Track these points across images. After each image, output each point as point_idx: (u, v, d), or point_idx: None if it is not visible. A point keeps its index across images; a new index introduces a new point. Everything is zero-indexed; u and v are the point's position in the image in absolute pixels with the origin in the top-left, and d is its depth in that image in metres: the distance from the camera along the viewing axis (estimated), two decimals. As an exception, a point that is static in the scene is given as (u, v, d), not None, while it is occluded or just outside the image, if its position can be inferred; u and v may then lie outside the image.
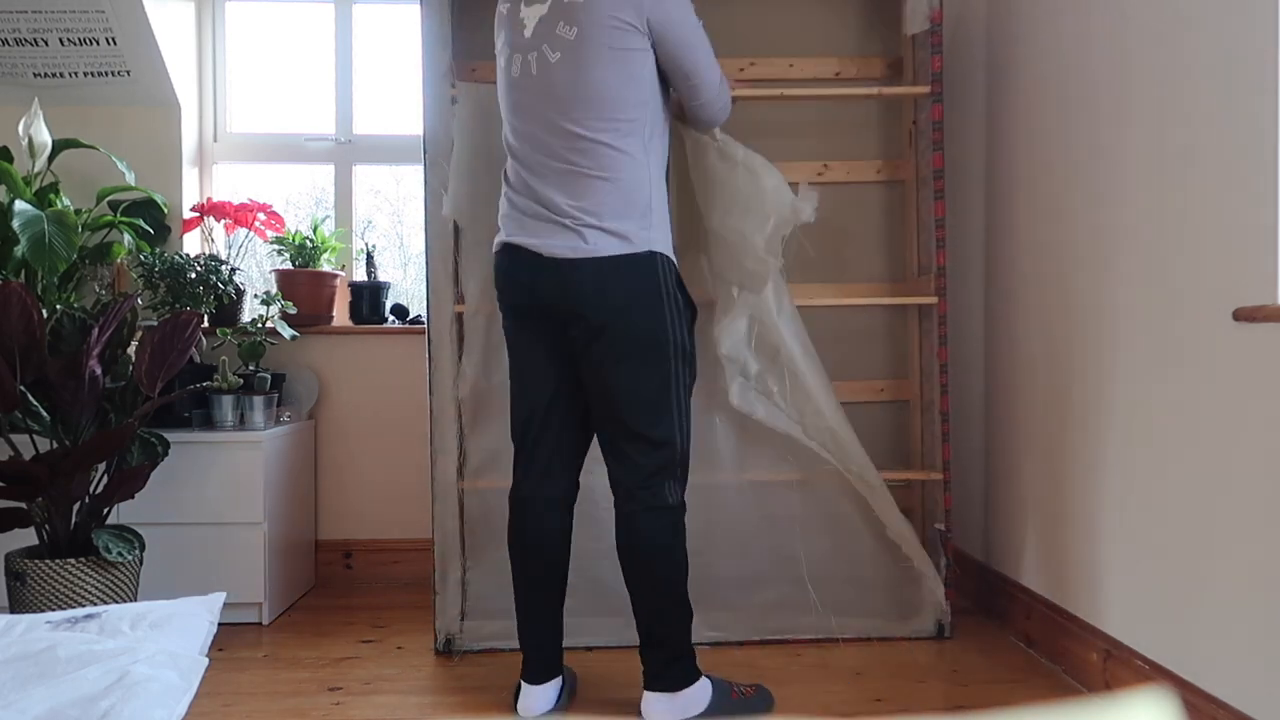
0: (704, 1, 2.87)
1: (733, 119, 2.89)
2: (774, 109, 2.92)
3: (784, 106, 2.92)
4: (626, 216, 2.05)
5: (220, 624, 1.61)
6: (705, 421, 2.66)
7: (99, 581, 2.50)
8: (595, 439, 2.20)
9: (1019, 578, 2.68)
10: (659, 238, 2.10)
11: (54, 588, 2.47)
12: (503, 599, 2.82)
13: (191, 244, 3.40)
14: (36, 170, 2.89)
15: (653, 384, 2.07)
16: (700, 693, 2.12)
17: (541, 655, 2.18)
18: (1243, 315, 1.75)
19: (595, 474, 2.27)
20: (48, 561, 2.48)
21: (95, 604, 2.49)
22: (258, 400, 2.93)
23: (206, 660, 1.44)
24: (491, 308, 2.53)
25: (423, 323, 2.88)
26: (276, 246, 3.33)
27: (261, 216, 3.26)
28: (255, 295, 3.33)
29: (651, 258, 2.07)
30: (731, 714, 2.12)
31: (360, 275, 3.45)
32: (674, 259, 2.14)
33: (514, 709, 2.18)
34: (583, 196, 2.04)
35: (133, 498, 2.58)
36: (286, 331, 3.07)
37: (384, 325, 3.41)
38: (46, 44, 3.14)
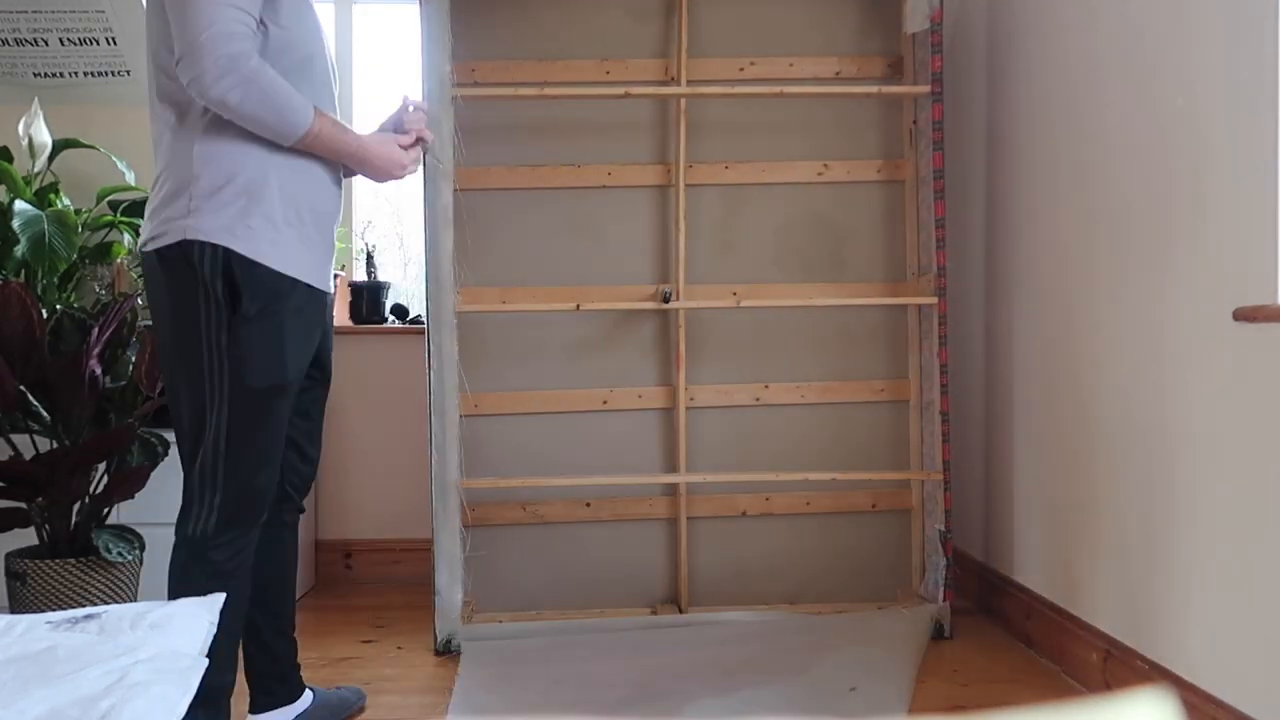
0: (705, 1, 2.89)
1: (733, 118, 2.90)
2: (774, 108, 2.92)
3: (784, 105, 2.92)
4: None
5: (220, 624, 1.61)
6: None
7: (99, 581, 2.50)
8: None
9: (1019, 578, 2.68)
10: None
11: (54, 588, 2.47)
12: (503, 598, 2.83)
13: (191, 244, 3.39)
14: (36, 170, 2.89)
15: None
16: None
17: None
18: (1243, 315, 1.75)
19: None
20: (48, 561, 2.48)
21: (95, 604, 2.49)
22: (258, 400, 2.93)
23: (207, 661, 1.44)
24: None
25: (423, 323, 2.88)
26: (276, 246, 3.33)
27: (261, 216, 3.25)
28: (255, 295, 3.32)
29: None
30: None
31: (360, 275, 3.45)
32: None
33: None
34: None
35: (133, 498, 2.58)
36: (286, 331, 3.06)
37: (384, 325, 3.41)
38: (46, 44, 3.14)
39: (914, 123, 2.84)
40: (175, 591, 1.87)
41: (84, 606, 2.24)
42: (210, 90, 1.67)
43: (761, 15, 2.93)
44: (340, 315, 3.43)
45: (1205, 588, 1.90)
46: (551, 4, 2.89)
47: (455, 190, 2.66)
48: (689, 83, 2.85)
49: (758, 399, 2.89)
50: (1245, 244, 1.77)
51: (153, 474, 2.62)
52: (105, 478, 2.60)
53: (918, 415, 2.86)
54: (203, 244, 1.74)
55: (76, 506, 2.57)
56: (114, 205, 3.15)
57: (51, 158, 2.92)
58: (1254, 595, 1.76)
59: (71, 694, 1.22)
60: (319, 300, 1.93)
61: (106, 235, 3.14)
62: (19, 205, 2.64)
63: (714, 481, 2.81)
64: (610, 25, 2.89)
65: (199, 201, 1.75)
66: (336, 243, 3.39)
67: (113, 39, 3.14)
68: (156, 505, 2.77)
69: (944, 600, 2.66)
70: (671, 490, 2.88)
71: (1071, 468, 2.39)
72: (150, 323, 2.73)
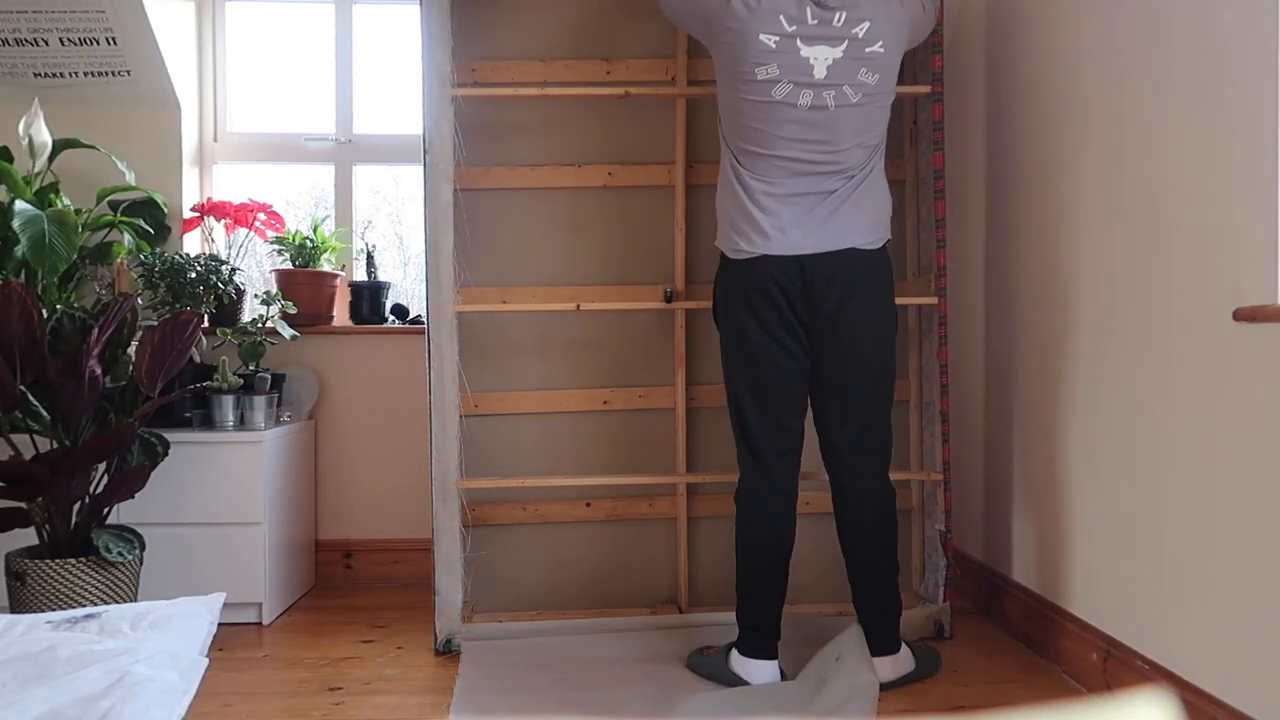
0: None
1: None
2: (774, 109, 2.92)
3: (784, 106, 2.92)
4: None
5: (220, 624, 1.62)
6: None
7: (99, 581, 2.50)
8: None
9: (1019, 578, 2.68)
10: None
11: (54, 588, 2.47)
12: (503, 598, 2.83)
13: (191, 244, 3.40)
14: (37, 170, 2.89)
15: None
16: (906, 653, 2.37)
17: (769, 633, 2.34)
18: (1243, 315, 1.75)
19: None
20: (48, 561, 2.48)
21: (95, 604, 2.49)
22: (258, 400, 2.93)
23: (206, 660, 1.44)
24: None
25: (423, 323, 2.88)
26: (276, 246, 3.33)
27: (261, 216, 3.26)
28: (255, 295, 3.33)
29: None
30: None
31: (360, 275, 3.45)
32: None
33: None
34: None
35: (133, 498, 2.58)
36: (286, 331, 3.07)
37: (384, 325, 3.41)
38: (46, 44, 3.14)
39: (914, 123, 2.84)
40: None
41: (84, 606, 2.25)
42: None
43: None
44: (340, 315, 3.44)
45: (1205, 588, 1.90)
46: (551, 4, 2.89)
47: (455, 190, 2.66)
48: (689, 83, 2.85)
49: (758, 399, 2.89)
50: (1245, 244, 1.77)
51: (153, 474, 2.62)
52: (105, 478, 2.60)
53: (918, 415, 2.86)
54: None
55: (76, 506, 2.57)
56: (114, 205, 3.15)
57: (51, 158, 2.92)
58: (1254, 595, 1.76)
59: (72, 693, 1.22)
60: None
61: (106, 235, 3.14)
62: (19, 205, 2.64)
63: (714, 481, 2.81)
64: (610, 25, 2.89)
65: None
66: (337, 243, 3.39)
67: (113, 39, 3.13)
68: (156, 505, 2.78)
69: (944, 600, 2.66)
70: (671, 490, 2.88)
71: (1071, 468, 2.39)
72: (150, 323, 2.73)
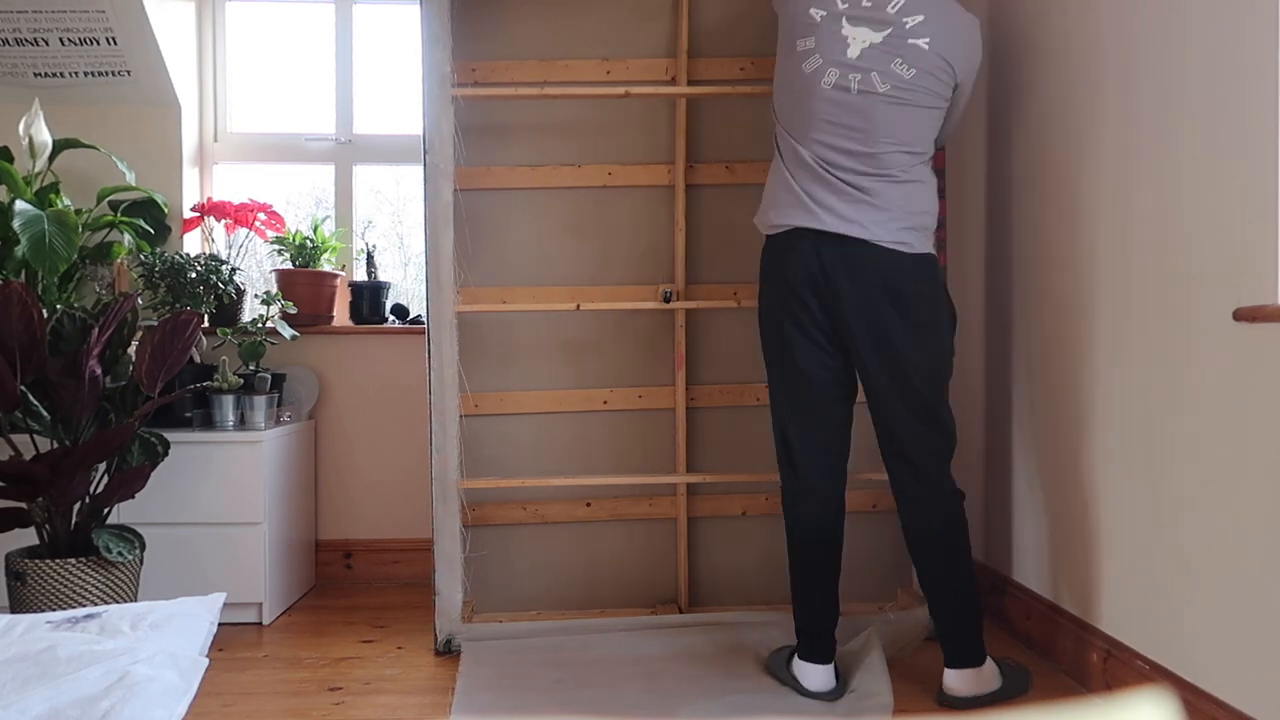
0: (705, 1, 2.89)
1: (733, 118, 2.90)
2: (774, 109, 2.92)
3: (784, 106, 2.92)
4: None
5: (220, 624, 1.62)
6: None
7: (99, 581, 2.50)
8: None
9: (1019, 578, 2.68)
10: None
11: (54, 588, 2.47)
12: (503, 598, 2.83)
13: (192, 244, 3.40)
14: (37, 170, 2.89)
15: None
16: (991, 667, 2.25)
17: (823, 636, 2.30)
18: (1243, 315, 1.75)
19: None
20: (48, 561, 2.48)
21: (95, 604, 2.49)
22: (258, 400, 2.93)
23: (206, 660, 1.44)
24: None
25: (423, 323, 2.88)
26: (276, 246, 3.33)
27: (261, 216, 3.26)
28: (255, 295, 3.33)
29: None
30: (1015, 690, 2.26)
31: (360, 275, 3.45)
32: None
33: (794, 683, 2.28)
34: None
35: (133, 498, 2.58)
36: (287, 331, 3.07)
37: (384, 325, 3.41)
38: (47, 44, 3.14)
39: (914, 123, 2.84)
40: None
41: (84, 606, 2.25)
42: None
43: (762, 15, 2.93)
44: (340, 315, 3.43)
45: (1205, 587, 1.90)
46: (551, 4, 2.88)
47: (455, 190, 2.66)
48: (689, 83, 2.85)
49: (758, 399, 2.89)
50: (1245, 244, 1.77)
51: (153, 474, 2.62)
52: (105, 478, 2.60)
53: (918, 415, 2.85)
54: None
55: (77, 506, 2.57)
56: (114, 205, 3.15)
57: (51, 158, 2.92)
58: (1254, 595, 1.76)
59: (72, 693, 1.22)
60: None
61: (106, 235, 3.14)
62: (19, 205, 2.64)
63: (714, 481, 2.82)
64: (610, 25, 2.89)
65: None
66: (338, 243, 3.39)
67: (113, 39, 3.14)
68: (157, 505, 2.78)
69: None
70: (671, 490, 2.88)
71: (1072, 468, 2.39)
72: (150, 323, 2.73)
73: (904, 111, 2.21)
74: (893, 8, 2.21)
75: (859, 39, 2.21)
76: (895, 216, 2.20)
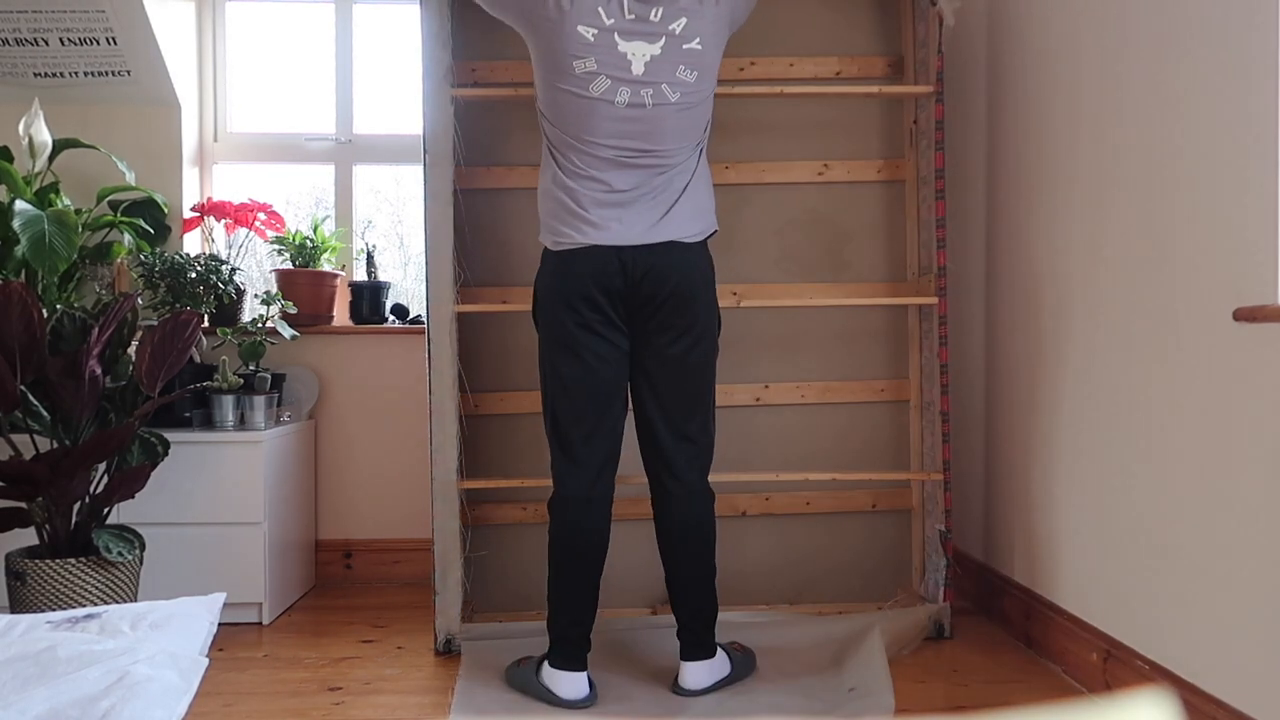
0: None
1: (733, 118, 2.90)
2: (774, 107, 2.92)
3: (784, 105, 2.92)
4: None
5: (220, 624, 1.61)
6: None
7: (99, 581, 2.50)
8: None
9: (1019, 578, 2.68)
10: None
11: (54, 588, 2.47)
12: (503, 598, 2.83)
13: (192, 244, 3.40)
14: (37, 170, 2.89)
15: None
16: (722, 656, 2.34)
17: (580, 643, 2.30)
18: (1243, 315, 1.75)
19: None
20: (48, 561, 2.48)
21: (95, 604, 2.49)
22: (258, 400, 2.93)
23: (206, 660, 1.44)
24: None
25: (423, 323, 2.88)
26: (276, 246, 3.33)
27: (261, 216, 3.26)
28: (255, 295, 3.33)
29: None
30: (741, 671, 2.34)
31: (360, 275, 3.45)
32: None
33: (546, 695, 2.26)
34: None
35: (133, 498, 2.58)
36: (286, 331, 3.07)
37: (384, 325, 3.41)
38: (46, 44, 3.14)
39: (915, 122, 2.84)
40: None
41: (84, 606, 2.24)
42: None
43: (761, 15, 2.93)
44: (340, 315, 3.43)
45: (1205, 588, 1.90)
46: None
47: (455, 190, 2.66)
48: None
49: (758, 399, 2.89)
50: (1245, 244, 1.77)
51: (153, 474, 2.62)
52: (105, 478, 2.60)
53: (918, 415, 2.86)
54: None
55: (77, 506, 2.57)
56: (114, 205, 3.15)
57: (51, 158, 2.92)
58: (1254, 595, 1.76)
59: (72, 693, 1.22)
60: None
61: (106, 235, 3.14)
62: (19, 205, 2.64)
63: (714, 481, 2.81)
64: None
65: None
66: (338, 243, 3.39)
67: (113, 39, 3.14)
68: (157, 505, 2.78)
69: (944, 600, 2.66)
70: (671, 490, 2.87)
71: (1072, 468, 2.39)
72: (150, 323, 2.73)
73: (691, 113, 2.25)
74: (656, 17, 2.20)
75: (639, 54, 2.20)
76: (683, 209, 2.26)
